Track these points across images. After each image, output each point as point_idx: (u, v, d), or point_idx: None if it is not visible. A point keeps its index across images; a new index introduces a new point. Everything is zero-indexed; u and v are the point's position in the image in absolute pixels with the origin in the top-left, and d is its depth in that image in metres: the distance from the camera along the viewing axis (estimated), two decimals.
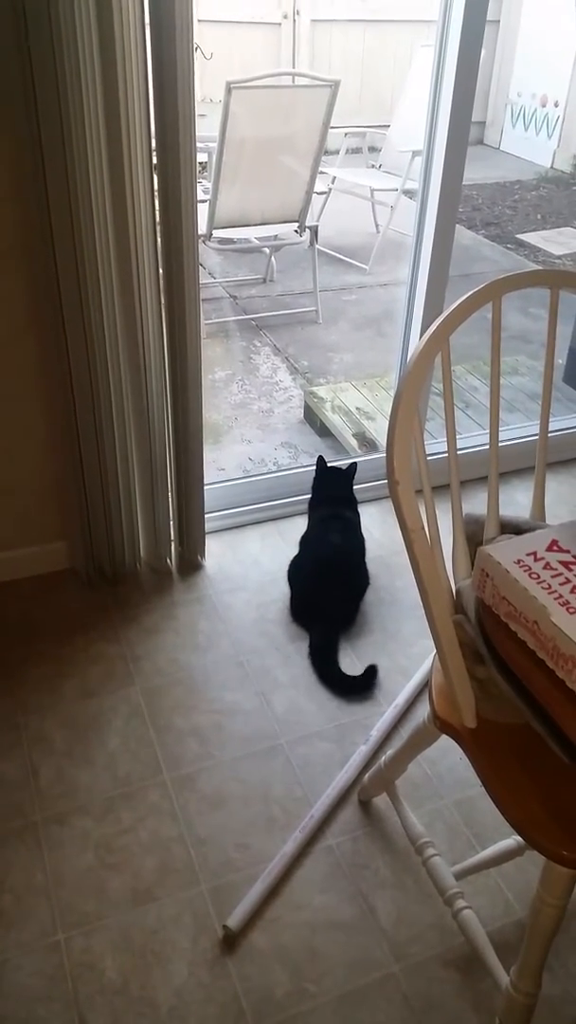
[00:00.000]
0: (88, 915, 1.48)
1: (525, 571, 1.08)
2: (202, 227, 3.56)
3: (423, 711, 1.34)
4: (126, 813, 1.65)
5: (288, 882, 1.54)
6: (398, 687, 1.93)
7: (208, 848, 1.59)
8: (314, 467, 2.30)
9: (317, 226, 3.98)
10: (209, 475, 2.19)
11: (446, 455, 1.24)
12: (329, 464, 2.30)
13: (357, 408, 3.19)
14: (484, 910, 1.49)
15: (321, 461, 2.30)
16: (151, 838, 1.61)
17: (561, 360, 3.34)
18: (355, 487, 2.28)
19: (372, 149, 5.10)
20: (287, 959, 1.43)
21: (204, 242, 3.65)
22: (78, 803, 1.66)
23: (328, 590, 2.09)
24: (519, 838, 1.42)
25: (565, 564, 1.09)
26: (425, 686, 1.90)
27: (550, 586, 1.05)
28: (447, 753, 1.73)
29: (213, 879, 1.54)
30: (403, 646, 2.05)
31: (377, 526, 2.41)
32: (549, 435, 1.35)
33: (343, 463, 2.31)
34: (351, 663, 2.00)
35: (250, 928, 1.47)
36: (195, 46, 1.58)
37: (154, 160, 1.67)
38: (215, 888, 1.53)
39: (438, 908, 1.48)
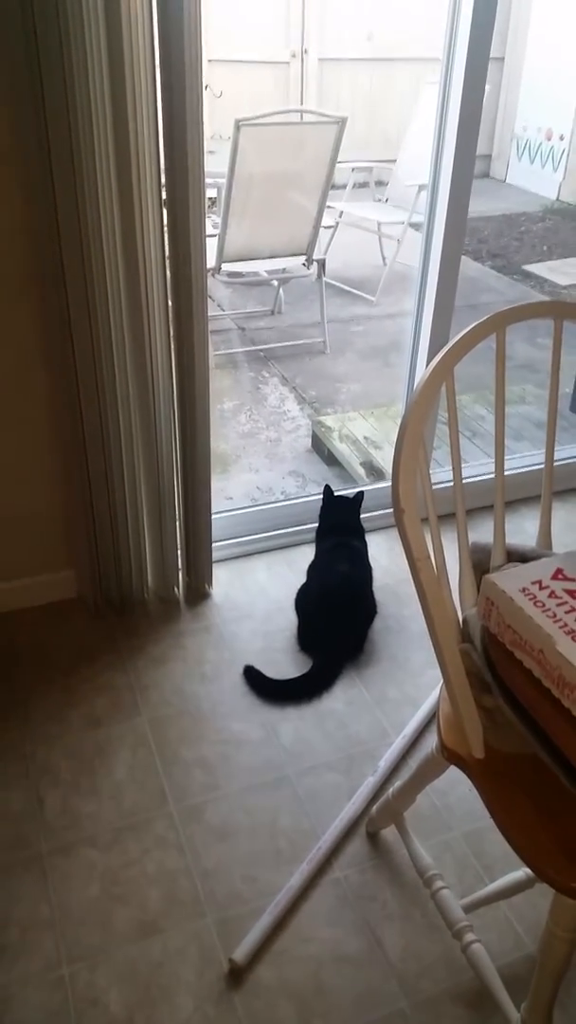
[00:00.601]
0: (93, 948, 1.47)
1: (530, 600, 1.08)
2: (211, 261, 3.60)
3: (431, 741, 1.33)
4: (132, 844, 1.64)
5: (295, 915, 1.53)
6: (406, 717, 1.92)
7: (214, 880, 1.58)
8: (321, 496, 2.31)
9: (324, 259, 4.03)
10: (217, 504, 2.19)
11: (452, 484, 1.25)
12: (336, 493, 2.31)
13: (364, 437, 3.21)
14: (494, 944, 1.47)
15: (328, 490, 2.31)
16: (157, 870, 1.59)
17: (568, 389, 3.35)
18: (362, 516, 2.28)
19: (379, 183, 5.17)
20: (294, 993, 1.42)
21: (213, 275, 3.70)
22: (84, 834, 1.65)
23: (335, 619, 2.09)
24: (528, 870, 1.40)
25: (571, 593, 1.09)
26: (434, 716, 1.89)
27: (555, 615, 1.05)
28: (456, 784, 1.72)
29: (219, 911, 1.53)
30: (411, 675, 2.04)
31: (384, 554, 2.41)
32: (555, 463, 1.36)
33: (350, 492, 2.32)
34: (358, 692, 1.99)
35: (256, 961, 1.46)
36: (205, 85, 1.62)
37: (164, 195, 1.70)
38: (221, 921, 1.52)
39: (447, 942, 1.47)
